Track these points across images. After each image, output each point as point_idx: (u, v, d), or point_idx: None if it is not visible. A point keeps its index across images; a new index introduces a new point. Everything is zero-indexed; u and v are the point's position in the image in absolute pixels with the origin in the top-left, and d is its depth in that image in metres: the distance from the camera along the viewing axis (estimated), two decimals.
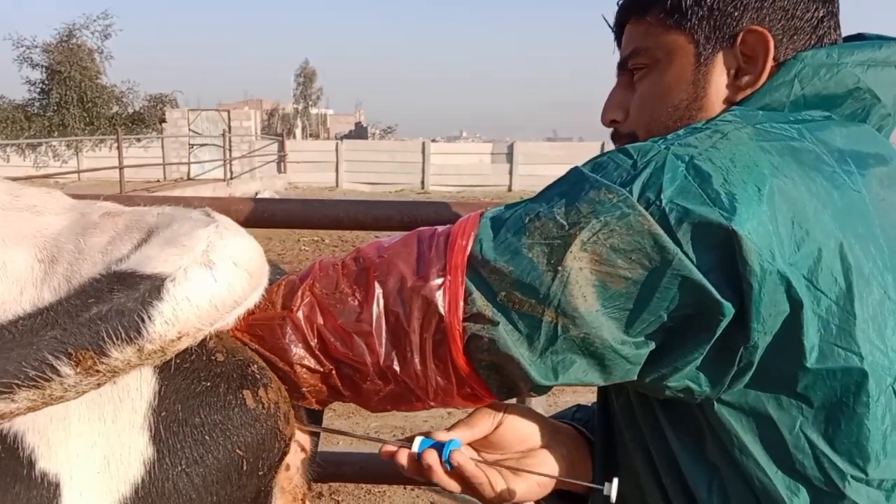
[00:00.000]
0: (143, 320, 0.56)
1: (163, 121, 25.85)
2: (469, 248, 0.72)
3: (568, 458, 0.92)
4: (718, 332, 0.68)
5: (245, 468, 0.65)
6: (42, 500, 0.57)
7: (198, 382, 0.64)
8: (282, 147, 24.58)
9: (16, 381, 0.52)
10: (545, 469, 0.89)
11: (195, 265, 0.60)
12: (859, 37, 0.92)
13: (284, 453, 0.72)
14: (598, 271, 0.68)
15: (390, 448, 0.85)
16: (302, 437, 0.82)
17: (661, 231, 0.66)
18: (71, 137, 24.14)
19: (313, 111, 39.19)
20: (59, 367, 0.53)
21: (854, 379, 0.69)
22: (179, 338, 0.59)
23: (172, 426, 0.62)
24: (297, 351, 0.72)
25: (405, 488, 3.58)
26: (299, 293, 0.73)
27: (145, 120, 27.65)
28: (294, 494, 0.82)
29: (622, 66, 0.97)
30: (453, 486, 0.83)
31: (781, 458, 0.72)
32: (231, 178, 20.82)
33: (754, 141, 0.73)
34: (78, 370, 0.54)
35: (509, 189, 22.72)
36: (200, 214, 0.71)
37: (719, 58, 0.87)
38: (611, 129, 1.00)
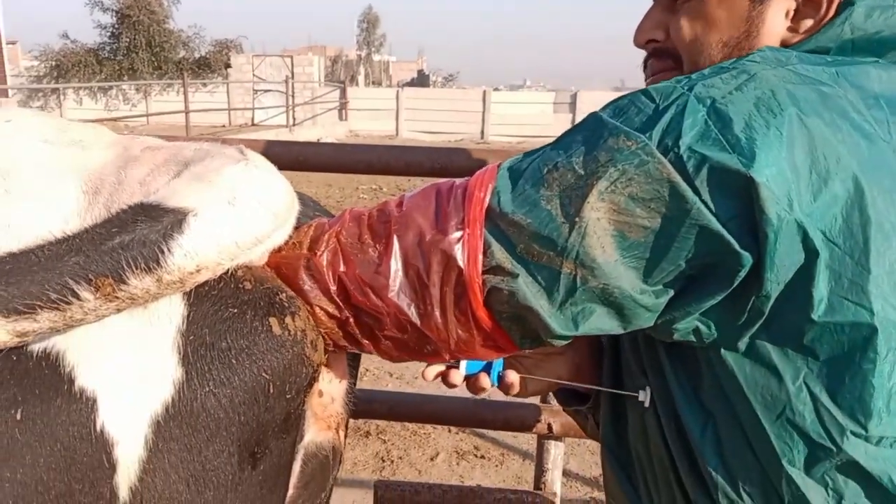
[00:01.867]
0: (162, 252, 0.58)
1: (228, 66, 26.19)
2: (487, 200, 0.71)
3: (578, 364, 1.00)
4: (737, 281, 0.67)
5: (272, 391, 0.68)
6: (81, 413, 0.61)
7: (225, 309, 0.67)
8: (343, 94, 24.66)
9: (38, 303, 0.55)
10: (559, 370, 0.99)
11: (218, 201, 0.62)
12: None
13: (313, 378, 0.75)
14: (616, 221, 0.67)
15: (436, 368, 0.90)
16: (338, 367, 0.85)
17: (679, 179, 0.65)
18: (140, 81, 24.67)
19: (376, 58, 39.08)
20: (79, 292, 0.56)
21: (862, 334, 0.67)
22: (198, 270, 0.61)
23: (200, 350, 0.65)
24: (316, 294, 0.74)
25: (449, 431, 3.67)
26: (325, 238, 0.74)
27: (211, 65, 28.03)
28: (328, 422, 0.86)
29: None
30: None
31: (781, 408, 0.71)
32: (294, 125, 21.04)
33: (782, 83, 0.70)
34: (97, 295, 0.57)
35: None
36: (234, 152, 0.73)
37: None
38: (645, 52, 0.96)
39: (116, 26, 27.79)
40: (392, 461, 3.38)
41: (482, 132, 23.29)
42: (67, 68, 26.47)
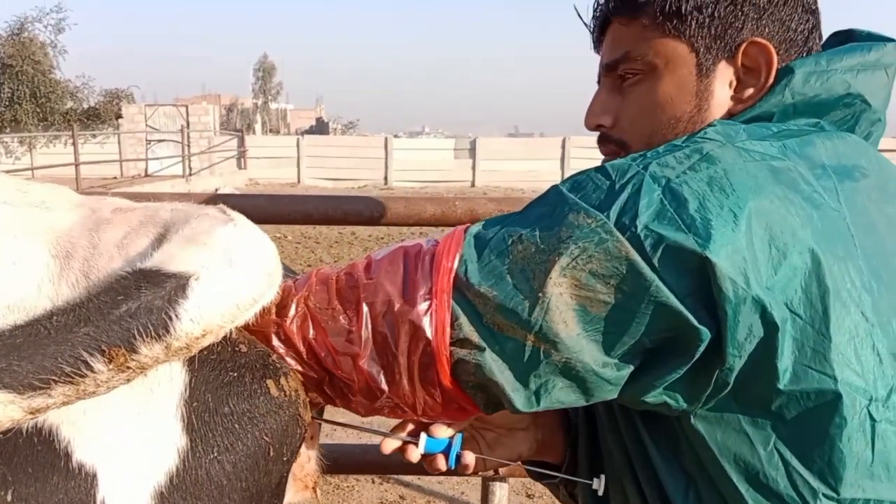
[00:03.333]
0: (170, 318, 0.58)
1: (119, 116, 25.36)
2: (454, 269, 0.72)
3: (541, 441, 1.00)
4: (696, 356, 0.69)
5: (272, 454, 0.67)
6: (80, 490, 0.58)
7: (225, 373, 0.66)
8: (241, 143, 24.31)
9: (52, 377, 0.54)
10: (520, 448, 0.99)
11: (218, 264, 0.62)
12: (849, 34, 0.92)
13: (303, 439, 0.74)
14: (577, 296, 0.69)
15: (394, 442, 0.89)
16: (311, 425, 0.84)
17: (637, 257, 0.67)
18: (24, 133, 23.52)
19: (273, 106, 38.83)
20: (93, 364, 0.55)
21: (827, 400, 0.69)
22: (204, 335, 0.60)
23: (204, 415, 0.63)
24: (290, 359, 0.74)
25: (373, 482, 3.60)
26: (293, 304, 0.74)
27: (101, 115, 27.06)
28: (305, 482, 0.84)
29: (610, 69, 0.93)
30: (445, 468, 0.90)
31: (755, 473, 0.73)
32: (190, 175, 20.52)
33: (733, 162, 0.72)
34: (111, 367, 0.55)
35: (472, 184, 22.83)
36: (217, 212, 0.72)
37: (720, 69, 0.86)
38: (597, 133, 0.97)
39: None
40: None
41: (385, 178, 23.42)
42: None
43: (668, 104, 0.87)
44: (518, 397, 0.72)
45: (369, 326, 0.72)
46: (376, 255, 0.78)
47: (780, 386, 0.70)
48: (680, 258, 0.66)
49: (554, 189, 0.76)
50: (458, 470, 0.90)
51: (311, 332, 0.73)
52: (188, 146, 21.46)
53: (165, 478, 0.61)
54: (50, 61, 26.84)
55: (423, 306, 0.71)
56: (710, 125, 0.80)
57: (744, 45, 0.85)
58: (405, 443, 0.88)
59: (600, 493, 0.87)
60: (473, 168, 23.34)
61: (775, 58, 0.83)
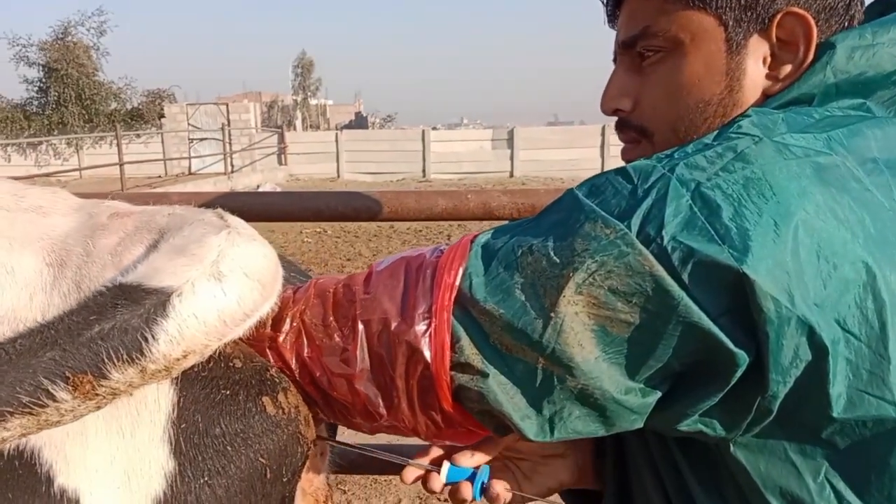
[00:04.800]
0: (146, 339, 0.53)
1: (162, 116, 25.77)
2: (457, 284, 0.66)
3: (582, 466, 0.90)
4: (733, 381, 0.62)
5: (269, 476, 0.64)
6: None
7: (217, 391, 0.62)
8: (281, 139, 24.51)
9: (8, 409, 0.50)
10: (560, 476, 0.88)
11: (204, 277, 0.57)
12: (891, 1, 0.82)
13: (307, 457, 0.71)
14: (596, 315, 0.62)
15: (415, 471, 0.83)
16: (322, 441, 0.80)
17: (663, 273, 0.60)
18: (71, 135, 24.05)
19: (312, 102, 39.08)
20: (55, 393, 0.51)
21: (886, 428, 0.62)
22: (185, 356, 0.56)
23: (193, 437, 0.60)
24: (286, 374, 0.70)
25: None
26: (288, 318, 0.69)
27: (144, 116, 27.53)
28: (316, 497, 0.81)
29: (627, 45, 0.83)
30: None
31: None
32: (232, 172, 20.76)
33: (772, 160, 0.64)
34: (76, 395, 0.51)
35: (511, 175, 22.65)
36: (214, 217, 0.68)
37: (752, 44, 0.76)
38: (615, 118, 0.88)
39: (44, 80, 27.15)
40: None
41: (423, 171, 23.40)
42: None
43: (695, 85, 0.78)
44: (529, 426, 0.66)
45: (365, 346, 0.67)
46: (378, 265, 0.72)
47: (833, 414, 0.62)
48: (713, 273, 0.59)
49: (569, 193, 0.69)
50: (488, 500, 0.83)
51: (306, 349, 0.68)
52: (230, 144, 21.70)
53: None
54: (94, 64, 27.46)
55: (421, 326, 0.65)
56: (744, 115, 0.72)
57: (778, 16, 0.75)
58: (427, 471, 0.82)
59: None
60: (512, 158, 23.15)
61: (814, 29, 0.74)
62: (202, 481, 0.59)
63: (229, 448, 0.61)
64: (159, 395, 0.60)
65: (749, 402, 0.63)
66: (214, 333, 0.57)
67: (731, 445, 0.67)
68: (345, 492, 3.44)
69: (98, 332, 0.53)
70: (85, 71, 26.83)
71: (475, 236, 0.71)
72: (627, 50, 0.84)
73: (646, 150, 0.83)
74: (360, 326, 0.67)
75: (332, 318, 0.68)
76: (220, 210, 0.70)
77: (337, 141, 24.25)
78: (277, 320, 0.69)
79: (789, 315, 0.58)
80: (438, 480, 0.81)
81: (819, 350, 0.59)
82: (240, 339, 0.66)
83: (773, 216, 0.60)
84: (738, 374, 0.61)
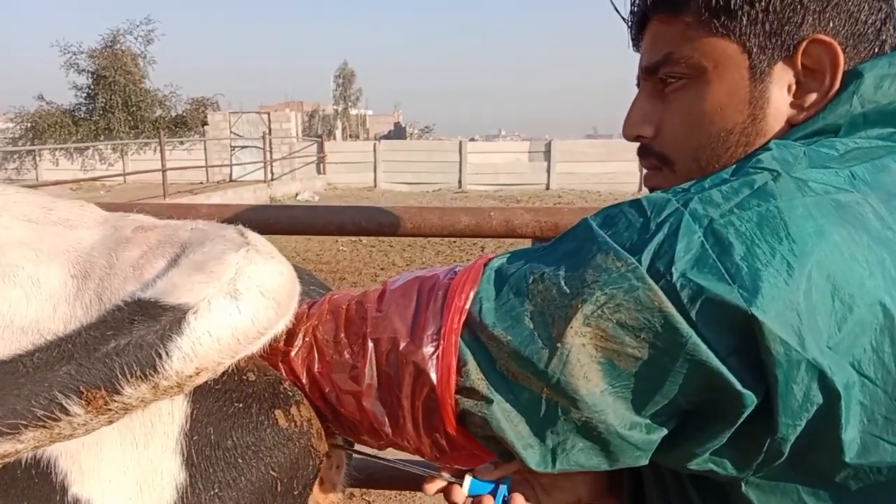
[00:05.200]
0: (160, 356, 0.54)
1: (205, 123, 26.24)
2: (467, 307, 0.66)
3: (603, 483, 0.88)
4: (740, 421, 0.60)
5: (279, 489, 0.64)
6: None
7: (230, 404, 0.63)
8: (321, 148, 24.78)
9: (22, 422, 0.51)
10: (579, 491, 0.86)
11: (220, 295, 0.58)
12: None
13: (318, 470, 0.71)
14: (604, 348, 0.61)
15: (438, 483, 0.82)
16: (338, 452, 0.81)
17: (672, 310, 0.58)
18: (116, 141, 24.62)
19: (353, 112, 39.41)
20: (68, 407, 0.52)
21: None
22: (198, 373, 0.57)
23: (205, 450, 0.61)
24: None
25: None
26: (301, 333, 0.70)
27: (188, 123, 28.07)
28: None
29: (650, 71, 0.82)
30: None
31: None
32: (272, 180, 21.04)
33: (790, 198, 0.62)
34: (88, 409, 0.52)
35: (547, 187, 22.58)
36: (234, 234, 0.69)
37: (776, 71, 0.75)
38: (637, 143, 0.87)
39: (92, 87, 27.85)
40: None
41: (459, 181, 23.45)
42: (43, 129, 26.39)
43: (717, 114, 0.77)
44: (532, 455, 0.65)
45: (374, 364, 0.67)
46: (392, 283, 0.72)
47: (846, 459, 0.60)
48: (722, 313, 0.57)
49: (584, 223, 0.68)
50: None
51: (317, 364, 0.69)
52: (270, 152, 22.01)
53: None
54: (140, 71, 28.10)
55: (429, 348, 0.65)
56: (765, 148, 0.70)
57: (804, 44, 0.73)
58: (450, 483, 0.82)
59: None
60: (548, 171, 23.09)
61: (841, 57, 0.72)
62: (213, 493, 0.60)
63: (240, 460, 0.62)
64: (173, 407, 0.61)
65: (759, 443, 0.61)
66: (228, 351, 0.58)
67: (743, 484, 0.65)
68: (369, 502, 3.45)
69: (114, 347, 0.54)
70: (132, 78, 27.46)
71: (489, 259, 0.70)
72: (650, 76, 0.83)
73: (667, 178, 0.83)
74: (370, 345, 0.67)
75: (343, 335, 0.69)
76: (241, 227, 0.71)
77: (375, 151, 24.44)
78: (291, 335, 0.70)
79: (799, 358, 0.57)
80: (461, 493, 0.81)
81: (831, 394, 0.58)
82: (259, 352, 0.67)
83: (787, 256, 0.58)
84: (745, 414, 0.59)
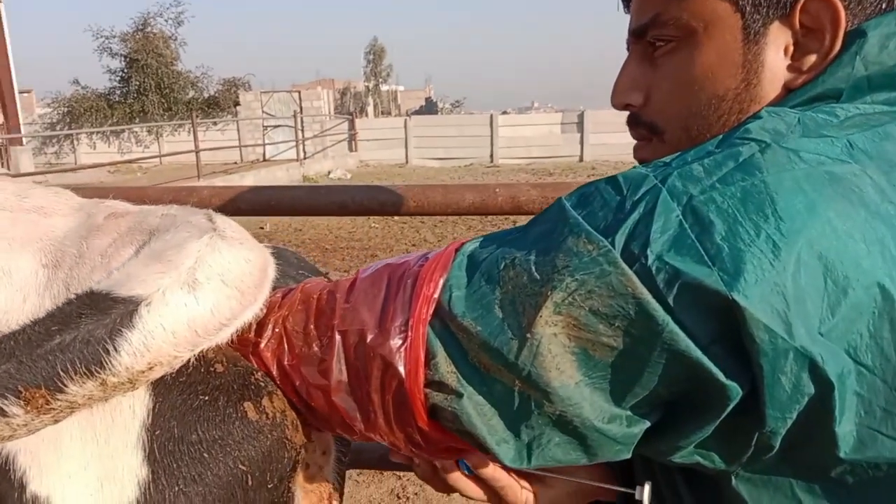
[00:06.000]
0: (107, 352, 0.51)
1: (237, 104, 26.42)
2: (436, 296, 0.61)
3: (607, 467, 0.82)
4: (725, 414, 0.56)
5: (251, 483, 0.62)
6: None
7: (195, 397, 0.61)
8: (352, 126, 24.80)
9: None
10: (578, 477, 0.80)
11: (176, 286, 0.55)
12: None
13: (296, 462, 0.69)
14: (577, 337, 0.56)
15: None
16: (324, 436, 0.79)
17: (647, 296, 0.54)
18: (151, 123, 24.94)
19: (384, 88, 39.35)
20: (5, 408, 0.49)
21: None
22: (151, 368, 0.54)
23: (168, 445, 0.59)
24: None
25: None
26: (270, 324, 0.67)
27: (220, 103, 28.30)
28: (319, 494, 0.79)
29: (638, 35, 0.77)
30: (475, 491, 0.77)
31: None
32: (304, 159, 21.14)
33: (778, 171, 0.56)
34: (28, 409, 0.50)
35: (580, 159, 22.33)
36: (202, 219, 0.67)
37: (772, 32, 0.69)
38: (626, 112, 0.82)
39: (126, 70, 28.19)
40: (408, 498, 3.29)
41: (491, 156, 23.29)
42: (80, 114, 26.85)
43: (708, 79, 0.71)
44: (506, 451, 0.61)
45: (342, 358, 0.63)
46: (364, 272, 0.69)
47: (841, 454, 0.56)
48: (701, 298, 0.53)
49: (557, 203, 0.63)
50: (476, 478, 0.77)
51: (287, 357, 0.66)
52: (302, 131, 22.09)
53: None
54: (172, 53, 28.35)
55: (396, 340, 0.61)
56: (755, 117, 0.64)
57: (802, 1, 0.67)
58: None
59: (645, 502, 0.72)
60: (581, 143, 22.81)
61: (843, 15, 0.66)
62: (177, 489, 0.58)
63: (206, 455, 0.59)
64: (134, 401, 0.59)
65: (748, 436, 0.57)
66: (185, 345, 0.55)
67: (734, 478, 0.61)
68: (400, 477, 3.47)
69: (58, 343, 0.51)
70: (164, 61, 27.75)
71: (462, 244, 0.66)
72: (638, 39, 0.77)
73: (657, 149, 0.78)
74: (338, 337, 0.64)
75: (312, 327, 0.66)
76: (210, 211, 0.68)
77: (405, 127, 24.38)
78: (261, 325, 0.67)
79: (786, 347, 0.52)
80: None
81: (823, 385, 0.53)
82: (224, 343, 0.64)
83: (773, 235, 0.53)
84: (731, 406, 0.55)
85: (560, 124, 23.55)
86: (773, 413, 0.54)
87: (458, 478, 0.76)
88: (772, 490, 0.60)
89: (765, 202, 0.54)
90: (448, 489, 0.78)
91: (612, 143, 21.89)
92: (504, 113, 29.02)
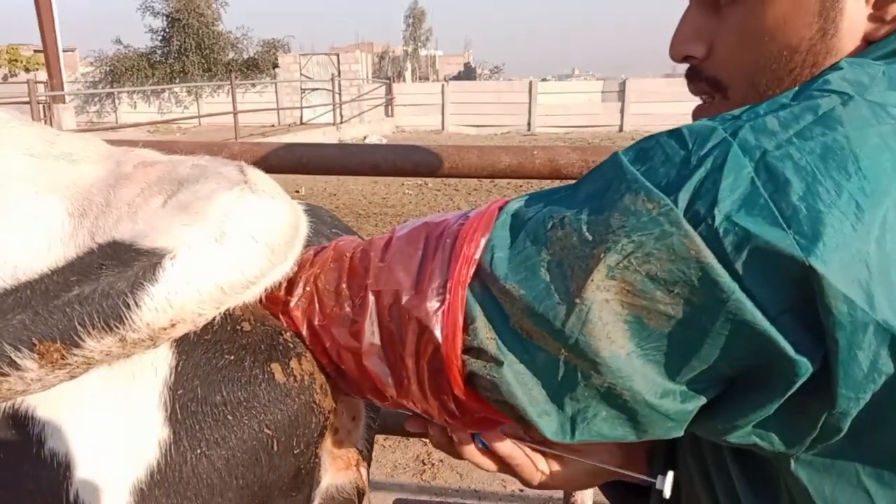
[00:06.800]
0: (127, 306, 0.48)
1: (276, 66, 26.45)
2: (477, 257, 0.57)
3: (627, 449, 0.79)
4: (791, 392, 0.51)
5: (276, 448, 0.59)
6: (50, 480, 0.53)
7: (220, 356, 0.58)
8: (389, 90, 24.67)
9: None
10: (599, 458, 0.77)
11: (202, 240, 0.52)
12: None
13: (324, 427, 0.66)
14: (630, 304, 0.52)
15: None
16: (355, 400, 0.76)
17: (713, 260, 0.49)
18: (191, 84, 25.09)
19: (422, 53, 39.02)
20: (18, 361, 0.46)
21: None
22: (173, 325, 0.51)
23: (190, 405, 0.56)
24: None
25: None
26: (301, 282, 0.63)
27: (259, 65, 28.36)
28: (347, 461, 0.77)
29: None
30: (489, 465, 0.75)
31: None
32: (341, 123, 21.12)
33: (863, 126, 0.51)
34: (42, 363, 0.47)
35: (620, 129, 21.94)
36: (233, 171, 0.63)
37: None
38: (686, 65, 0.75)
39: (167, 30, 28.37)
40: (433, 464, 3.29)
41: (529, 124, 23.00)
42: (121, 73, 27.13)
43: (780, 28, 0.65)
44: (548, 423, 0.57)
45: (375, 320, 0.59)
46: (399, 230, 0.64)
47: None
48: (773, 264, 0.48)
49: (613, 157, 0.57)
50: (492, 453, 0.75)
51: (318, 317, 0.62)
52: (339, 94, 22.04)
53: (146, 473, 0.54)
54: (213, 13, 28.42)
55: (433, 303, 0.57)
56: (834, 68, 0.58)
57: None
58: None
59: (665, 494, 0.70)
60: (622, 112, 22.40)
61: None
62: (199, 451, 0.55)
63: (230, 417, 0.57)
64: (157, 358, 0.56)
65: (814, 417, 0.52)
66: (210, 302, 0.52)
67: (793, 462, 0.56)
68: (425, 444, 3.46)
69: (76, 294, 0.48)
70: (205, 21, 27.85)
71: (506, 202, 0.61)
72: None
73: (719, 107, 0.71)
74: (371, 298, 0.60)
75: (344, 286, 0.62)
76: (242, 164, 0.65)
77: (443, 92, 24.17)
78: (291, 283, 0.63)
79: (866, 320, 0.47)
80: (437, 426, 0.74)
81: None
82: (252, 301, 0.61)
83: (856, 195, 0.48)
84: (798, 383, 0.50)
85: (601, 92, 23.12)
86: (846, 393, 0.49)
87: (472, 452, 0.74)
88: (835, 476, 0.55)
89: (847, 159, 0.49)
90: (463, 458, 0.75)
91: (653, 114, 21.43)
92: (543, 80, 28.59)
